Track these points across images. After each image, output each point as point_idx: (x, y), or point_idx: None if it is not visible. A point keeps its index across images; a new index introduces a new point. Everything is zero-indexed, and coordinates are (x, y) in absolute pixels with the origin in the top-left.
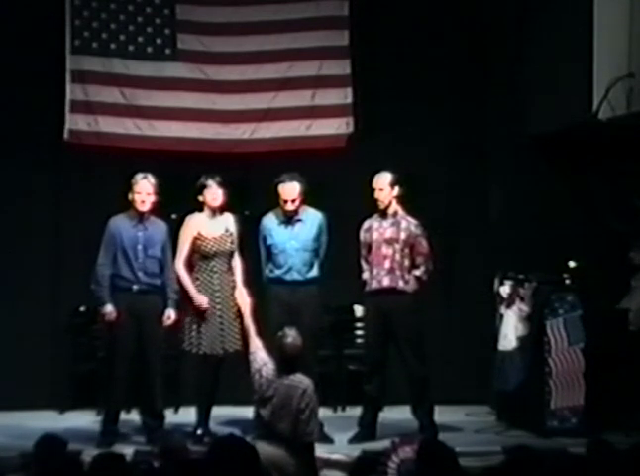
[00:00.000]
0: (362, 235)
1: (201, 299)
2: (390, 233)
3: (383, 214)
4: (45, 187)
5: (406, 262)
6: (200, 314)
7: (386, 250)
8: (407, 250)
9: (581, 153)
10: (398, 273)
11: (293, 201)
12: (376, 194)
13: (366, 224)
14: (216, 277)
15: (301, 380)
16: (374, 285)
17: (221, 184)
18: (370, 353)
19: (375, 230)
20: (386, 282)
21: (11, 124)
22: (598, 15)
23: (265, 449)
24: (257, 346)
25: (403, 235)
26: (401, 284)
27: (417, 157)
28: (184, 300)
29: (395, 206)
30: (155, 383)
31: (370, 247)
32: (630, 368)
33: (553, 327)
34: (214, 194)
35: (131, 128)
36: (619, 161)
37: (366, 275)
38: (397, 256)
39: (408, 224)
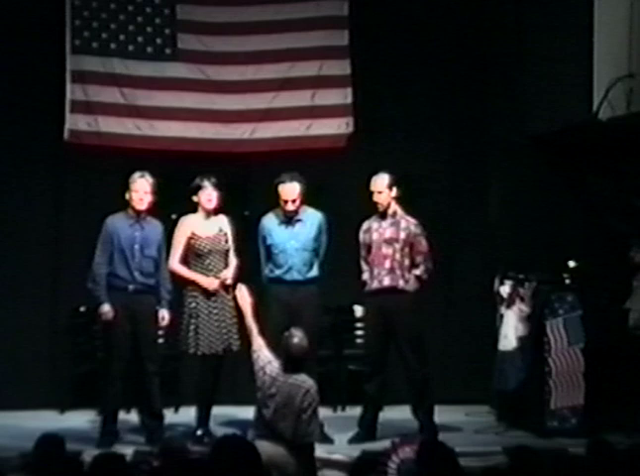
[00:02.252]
0: (361, 236)
1: (209, 281)
2: (390, 233)
3: (383, 215)
4: (45, 187)
5: (406, 261)
6: (196, 314)
7: (386, 250)
8: (407, 249)
9: (581, 153)
10: (399, 272)
11: (293, 201)
12: (375, 197)
13: (365, 225)
14: (211, 275)
15: (305, 380)
16: (375, 285)
17: (216, 186)
18: (370, 353)
19: (375, 231)
20: (387, 281)
21: (11, 124)
22: (598, 15)
23: (265, 449)
24: (260, 344)
25: (403, 235)
26: (402, 283)
27: (417, 157)
28: (180, 301)
29: (394, 206)
30: (152, 383)
31: (369, 248)
32: (630, 368)
33: (553, 327)
34: (209, 196)
35: (131, 128)
36: (619, 161)
37: (366, 275)
38: (397, 255)
39: (407, 224)
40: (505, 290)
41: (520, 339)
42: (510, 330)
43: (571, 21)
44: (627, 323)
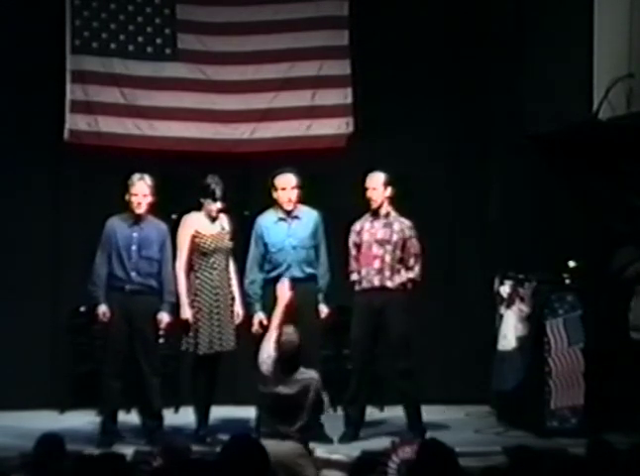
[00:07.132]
0: (353, 237)
1: (187, 313)
2: (382, 234)
3: (375, 214)
4: (45, 187)
5: (396, 263)
6: (198, 314)
7: (377, 250)
8: (398, 252)
9: (580, 153)
10: (387, 273)
11: (292, 188)
12: (369, 193)
13: (357, 226)
14: (216, 273)
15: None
16: (365, 284)
17: (224, 198)
18: (356, 350)
19: (367, 231)
20: (376, 282)
21: (11, 124)
22: (598, 15)
23: (270, 448)
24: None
25: (395, 237)
26: (389, 284)
27: (417, 157)
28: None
29: (387, 207)
30: (150, 382)
31: (359, 247)
32: (630, 368)
33: (553, 327)
34: (216, 206)
35: (131, 128)
36: (619, 161)
37: (355, 276)
38: (387, 257)
39: (401, 226)
40: (505, 290)
41: (520, 339)
42: (510, 330)
43: (571, 21)
44: (627, 323)
